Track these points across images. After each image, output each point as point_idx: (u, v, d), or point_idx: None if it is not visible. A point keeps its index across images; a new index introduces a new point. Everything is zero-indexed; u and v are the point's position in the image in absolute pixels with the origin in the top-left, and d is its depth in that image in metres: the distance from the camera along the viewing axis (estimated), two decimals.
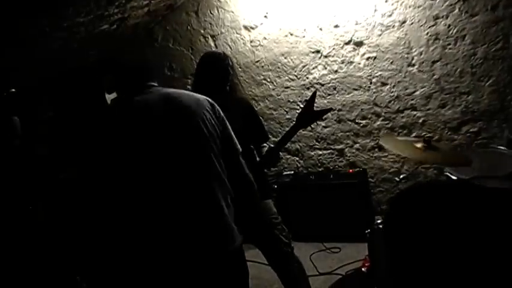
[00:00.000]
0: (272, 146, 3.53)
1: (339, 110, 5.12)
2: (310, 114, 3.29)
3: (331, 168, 5.36)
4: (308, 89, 5.18)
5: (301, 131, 5.10)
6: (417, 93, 4.83)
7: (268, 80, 5.35)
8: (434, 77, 4.73)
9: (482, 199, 1.10)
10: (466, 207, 1.09)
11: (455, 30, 4.58)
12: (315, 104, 3.32)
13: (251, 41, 5.31)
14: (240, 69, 5.37)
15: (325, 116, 5.13)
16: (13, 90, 2.82)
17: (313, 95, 3.28)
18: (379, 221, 3.52)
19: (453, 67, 4.67)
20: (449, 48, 4.65)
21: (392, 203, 1.22)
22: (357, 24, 4.89)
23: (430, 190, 1.18)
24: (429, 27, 4.65)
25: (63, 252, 2.77)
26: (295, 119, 3.35)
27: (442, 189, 1.16)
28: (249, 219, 3.52)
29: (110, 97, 4.22)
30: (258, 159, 3.63)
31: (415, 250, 1.11)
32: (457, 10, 4.56)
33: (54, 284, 2.58)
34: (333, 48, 5.03)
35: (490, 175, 3.72)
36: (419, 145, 3.39)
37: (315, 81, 5.16)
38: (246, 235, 3.62)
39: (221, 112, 2.59)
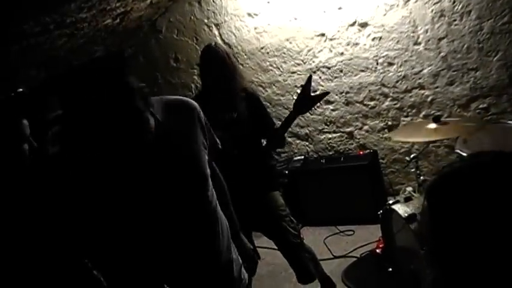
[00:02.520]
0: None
1: (347, 92, 5.10)
2: (306, 99, 3.28)
3: (342, 151, 5.36)
4: (314, 72, 5.15)
5: (309, 115, 5.19)
6: (424, 71, 4.80)
7: (274, 65, 5.34)
8: (441, 54, 4.70)
9: None
10: None
11: (460, 6, 4.53)
12: (312, 88, 3.32)
13: (255, 28, 5.28)
14: (245, 57, 5.38)
15: (333, 99, 5.13)
16: (21, 89, 2.82)
17: (308, 80, 3.25)
18: (389, 203, 3.53)
19: (460, 43, 4.62)
20: (455, 25, 4.60)
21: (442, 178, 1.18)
22: (360, 5, 4.84)
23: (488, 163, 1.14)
24: (434, 4, 4.60)
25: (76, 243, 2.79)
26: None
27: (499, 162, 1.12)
28: (257, 212, 3.56)
29: None
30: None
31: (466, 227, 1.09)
32: None
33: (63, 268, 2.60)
34: (338, 31, 4.99)
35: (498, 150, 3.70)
36: (430, 126, 3.40)
37: (321, 64, 5.14)
38: (255, 226, 3.68)
39: None
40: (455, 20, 4.58)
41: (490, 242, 1.04)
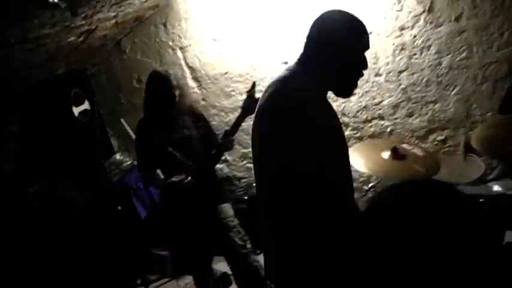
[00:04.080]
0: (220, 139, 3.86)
1: None
2: (253, 102, 3.55)
3: None
4: None
5: None
6: (385, 102, 4.89)
7: (237, 91, 5.35)
8: (401, 86, 4.80)
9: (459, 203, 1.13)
10: (446, 210, 1.12)
11: (420, 41, 4.65)
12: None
13: (220, 53, 5.30)
14: (208, 81, 5.39)
15: None
16: None
17: (253, 86, 3.78)
18: None
19: (419, 77, 4.74)
20: (415, 58, 4.72)
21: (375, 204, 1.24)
22: None
23: (414, 190, 1.20)
24: (395, 37, 4.72)
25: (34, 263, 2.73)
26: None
27: (424, 189, 1.18)
28: (205, 224, 3.67)
29: (77, 110, 4.20)
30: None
31: (395, 250, 1.13)
32: (422, 21, 4.63)
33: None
34: None
35: (456, 182, 3.79)
36: (387, 155, 3.45)
37: None
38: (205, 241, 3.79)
39: None
40: (415, 54, 4.70)
41: (413, 267, 1.06)
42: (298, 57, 2.37)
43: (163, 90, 3.66)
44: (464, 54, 4.57)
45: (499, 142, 3.39)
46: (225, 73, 5.34)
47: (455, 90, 4.66)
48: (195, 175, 3.63)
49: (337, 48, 2.23)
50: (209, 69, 5.38)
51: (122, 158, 5.49)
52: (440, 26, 4.60)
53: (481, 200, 3.17)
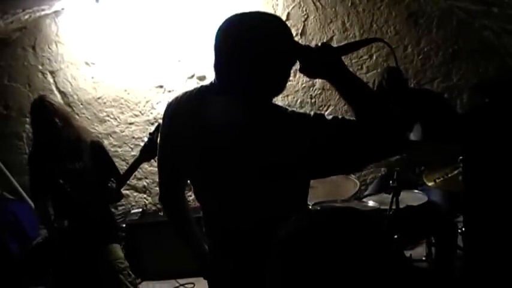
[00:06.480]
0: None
1: None
2: (154, 146, 3.29)
3: None
4: (152, 124, 5.07)
5: (146, 167, 5.08)
6: None
7: (112, 116, 5.19)
8: None
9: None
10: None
11: None
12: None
13: (92, 77, 5.12)
14: (81, 106, 5.18)
15: None
16: None
17: (156, 129, 3.27)
18: None
19: (294, 98, 4.84)
20: (290, 81, 4.74)
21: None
22: (199, 58, 4.88)
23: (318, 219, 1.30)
24: None
25: None
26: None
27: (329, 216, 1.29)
28: (95, 265, 3.45)
29: None
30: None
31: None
32: None
33: None
34: (177, 83, 4.99)
35: (332, 200, 3.87)
36: None
37: (159, 116, 5.06)
38: (92, 282, 3.56)
39: None
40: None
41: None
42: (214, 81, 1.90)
43: (40, 117, 3.40)
44: None
45: None
46: (99, 98, 5.16)
47: (328, 110, 4.78)
48: (84, 210, 3.39)
49: (274, 53, 1.74)
50: (82, 94, 5.17)
51: None
52: None
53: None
